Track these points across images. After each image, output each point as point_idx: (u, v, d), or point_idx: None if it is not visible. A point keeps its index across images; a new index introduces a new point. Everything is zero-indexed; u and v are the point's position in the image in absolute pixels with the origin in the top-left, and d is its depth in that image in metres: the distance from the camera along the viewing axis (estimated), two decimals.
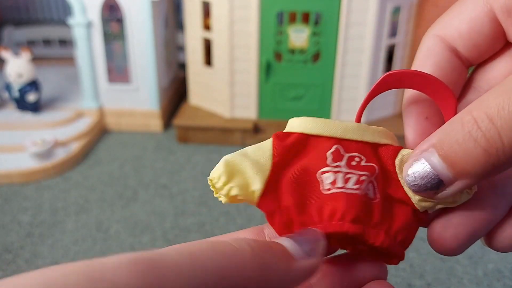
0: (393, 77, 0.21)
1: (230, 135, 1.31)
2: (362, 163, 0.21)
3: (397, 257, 0.21)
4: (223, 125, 1.30)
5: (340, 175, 0.21)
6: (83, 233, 0.94)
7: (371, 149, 0.22)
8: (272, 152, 0.21)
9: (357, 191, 0.20)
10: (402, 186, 0.21)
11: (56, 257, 0.87)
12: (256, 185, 0.21)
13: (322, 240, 0.19)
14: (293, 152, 0.21)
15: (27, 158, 1.17)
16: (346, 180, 0.21)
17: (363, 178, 0.21)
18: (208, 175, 0.22)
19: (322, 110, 1.32)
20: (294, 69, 1.28)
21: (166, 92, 1.48)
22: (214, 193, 0.22)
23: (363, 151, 0.21)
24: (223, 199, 0.22)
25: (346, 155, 0.21)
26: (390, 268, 0.87)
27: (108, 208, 1.02)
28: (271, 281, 0.15)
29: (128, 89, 1.37)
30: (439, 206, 0.21)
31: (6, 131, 1.29)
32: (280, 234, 0.21)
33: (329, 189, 0.21)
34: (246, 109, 1.32)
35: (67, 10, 2.51)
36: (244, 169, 0.21)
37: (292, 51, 1.27)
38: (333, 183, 0.21)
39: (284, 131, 0.22)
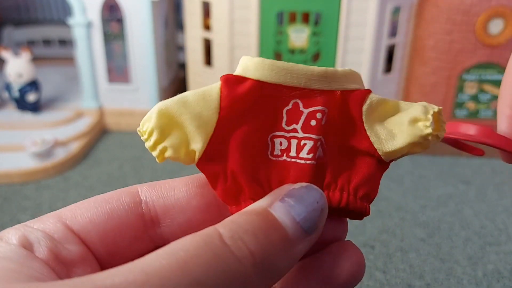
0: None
1: None
2: (323, 122, 0.18)
3: (361, 213, 0.19)
4: None
5: (294, 142, 0.18)
6: None
7: (340, 97, 0.19)
8: (219, 104, 0.18)
9: (311, 161, 0.18)
10: (368, 136, 0.19)
11: None
12: (197, 144, 0.18)
13: (325, 207, 0.16)
14: (245, 105, 0.18)
15: (27, 158, 1.17)
16: (301, 148, 0.18)
17: (319, 143, 0.18)
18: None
19: None
20: None
21: (166, 92, 1.48)
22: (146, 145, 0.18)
23: (329, 102, 0.18)
24: (156, 159, 0.18)
25: (305, 112, 0.18)
26: (390, 269, 0.87)
27: None
28: (271, 278, 0.14)
29: (128, 89, 1.38)
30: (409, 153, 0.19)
31: (6, 131, 1.29)
32: (224, 201, 0.18)
33: (278, 156, 0.18)
34: None
35: (67, 10, 2.51)
36: (183, 123, 0.18)
37: (292, 51, 1.27)
38: (285, 150, 0.18)
39: (236, 72, 0.18)
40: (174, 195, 0.18)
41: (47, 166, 1.16)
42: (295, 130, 0.18)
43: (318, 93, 0.18)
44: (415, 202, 1.05)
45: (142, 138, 0.18)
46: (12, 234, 0.15)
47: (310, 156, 0.18)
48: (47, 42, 2.00)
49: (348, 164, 0.19)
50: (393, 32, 1.30)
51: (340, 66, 1.28)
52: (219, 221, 0.16)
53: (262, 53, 1.31)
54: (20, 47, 1.60)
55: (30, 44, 1.95)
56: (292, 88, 0.18)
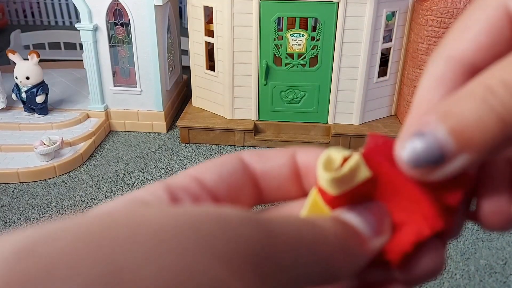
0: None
1: (231, 136, 1.34)
2: None
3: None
4: (224, 126, 1.33)
5: None
6: None
7: None
8: None
9: None
10: None
11: None
12: None
13: (389, 215, 0.17)
14: None
15: (35, 158, 1.20)
16: None
17: None
18: None
19: (319, 112, 1.35)
20: (292, 73, 1.31)
21: (170, 95, 1.51)
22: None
23: None
24: None
25: None
26: None
27: None
28: (347, 265, 0.15)
29: (133, 92, 1.40)
30: None
31: (15, 131, 1.32)
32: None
33: None
34: (246, 111, 1.35)
35: (73, 15, 2.56)
36: None
37: (291, 55, 1.30)
38: None
39: None
40: (271, 163, 0.19)
41: (54, 166, 1.20)
42: None
43: None
44: None
45: None
46: (159, 187, 0.16)
47: None
48: (54, 46, 2.03)
49: None
50: (387, 37, 1.34)
51: (337, 69, 1.31)
52: (300, 191, 0.18)
53: (261, 57, 1.34)
54: (27, 50, 1.64)
55: (38, 47, 1.99)
56: None
